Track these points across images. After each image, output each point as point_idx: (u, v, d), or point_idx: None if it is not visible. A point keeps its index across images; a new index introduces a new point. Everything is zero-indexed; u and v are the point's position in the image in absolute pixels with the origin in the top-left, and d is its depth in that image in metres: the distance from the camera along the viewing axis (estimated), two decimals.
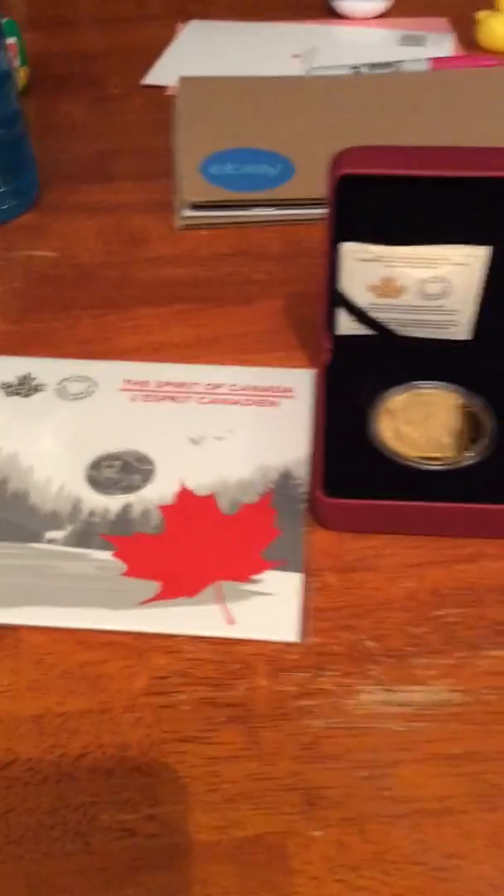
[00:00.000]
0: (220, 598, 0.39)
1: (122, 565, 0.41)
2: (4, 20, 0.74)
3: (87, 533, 0.42)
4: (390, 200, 0.41)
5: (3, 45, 0.59)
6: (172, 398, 0.49)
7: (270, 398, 0.49)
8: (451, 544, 0.42)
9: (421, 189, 0.40)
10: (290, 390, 0.50)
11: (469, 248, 0.43)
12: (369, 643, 0.38)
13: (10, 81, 0.60)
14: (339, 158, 0.40)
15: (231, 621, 0.38)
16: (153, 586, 0.40)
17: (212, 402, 0.49)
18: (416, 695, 0.36)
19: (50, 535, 0.42)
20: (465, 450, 0.44)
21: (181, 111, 0.72)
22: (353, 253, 0.44)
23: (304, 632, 0.38)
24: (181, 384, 0.50)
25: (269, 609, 0.39)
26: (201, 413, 0.48)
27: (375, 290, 0.45)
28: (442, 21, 0.91)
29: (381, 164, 0.39)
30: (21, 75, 0.78)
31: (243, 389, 0.50)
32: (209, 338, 0.54)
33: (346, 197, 0.41)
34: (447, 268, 0.44)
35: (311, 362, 0.51)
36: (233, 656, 0.37)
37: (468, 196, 0.40)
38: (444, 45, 0.85)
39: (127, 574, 0.40)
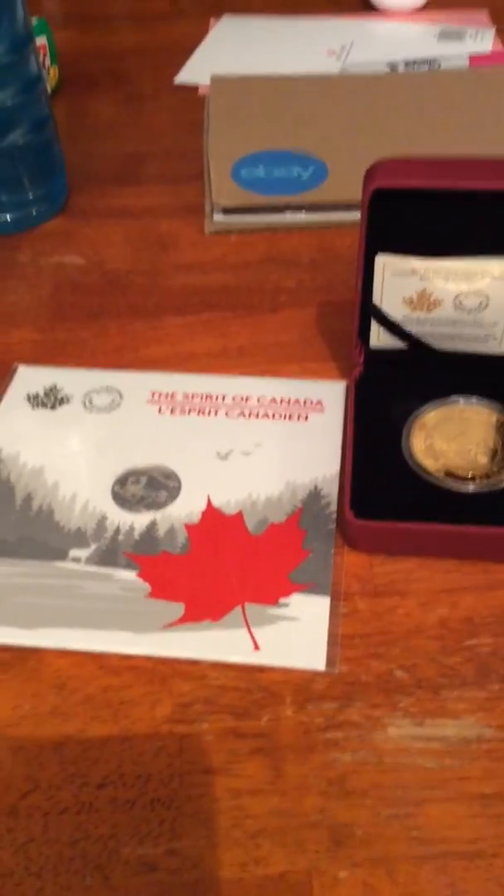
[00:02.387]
0: (246, 623, 0.38)
1: (146, 586, 0.40)
2: (35, 19, 0.73)
3: (112, 552, 0.41)
4: (426, 213, 0.40)
5: (34, 48, 0.58)
6: (199, 411, 0.48)
7: (300, 412, 0.48)
8: (485, 569, 0.40)
9: (457, 201, 0.38)
10: (320, 403, 0.48)
11: None
12: (399, 673, 0.37)
13: (40, 85, 0.59)
14: (374, 170, 0.39)
15: (257, 647, 0.37)
16: (178, 608, 0.39)
17: (240, 415, 0.48)
18: (447, 729, 0.35)
19: (74, 553, 0.41)
20: (502, 470, 0.42)
21: (212, 112, 0.71)
22: (387, 266, 0.42)
23: (332, 660, 0.37)
24: (208, 396, 0.49)
25: (297, 635, 0.38)
26: (229, 427, 0.47)
27: (410, 303, 0.44)
28: (482, 14, 0.88)
29: (416, 177, 0.38)
30: (51, 75, 0.77)
31: (272, 402, 0.48)
32: (237, 348, 0.52)
33: (381, 209, 0.39)
34: (485, 281, 0.42)
35: (343, 374, 0.50)
36: (258, 684, 0.37)
37: None
38: (484, 40, 0.83)
39: (151, 595, 0.40)
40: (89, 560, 0.41)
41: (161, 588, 0.40)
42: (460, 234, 0.40)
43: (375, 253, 0.42)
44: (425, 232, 0.41)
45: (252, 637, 0.38)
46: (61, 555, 0.41)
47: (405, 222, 0.40)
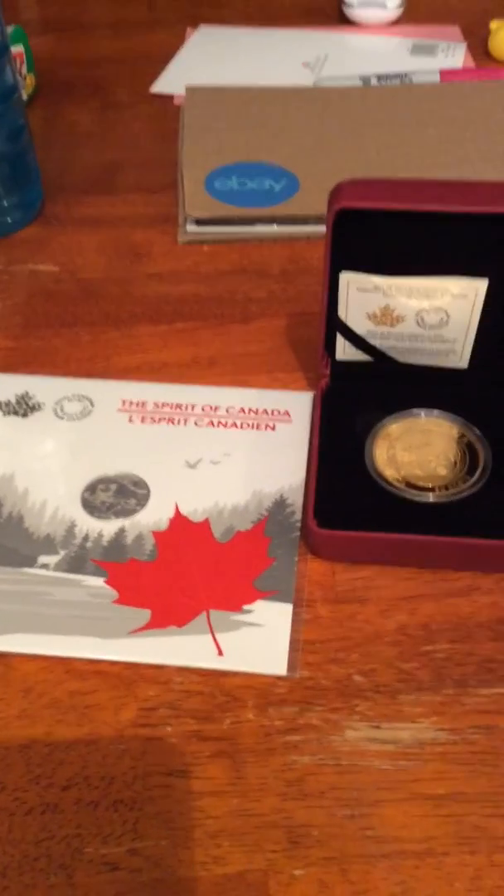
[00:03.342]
0: (210, 629, 0.39)
1: (113, 593, 0.41)
2: (12, 28, 0.73)
3: (81, 558, 0.42)
4: (389, 233, 0.41)
5: (9, 58, 0.58)
6: (170, 420, 0.49)
7: (267, 422, 0.49)
8: (444, 577, 0.42)
9: (419, 222, 0.40)
10: (287, 414, 0.49)
11: (467, 280, 0.42)
12: (358, 678, 0.38)
13: (15, 95, 0.60)
14: (338, 191, 0.40)
15: (220, 653, 0.38)
16: (144, 615, 0.40)
17: (209, 424, 0.49)
18: (403, 732, 0.36)
19: (43, 559, 0.42)
20: (461, 481, 0.43)
21: (187, 123, 0.72)
22: (352, 282, 0.44)
23: (293, 665, 0.38)
24: (179, 405, 0.50)
25: (259, 641, 0.39)
26: (198, 436, 0.48)
27: (374, 318, 0.45)
28: (454, 29, 0.90)
29: (379, 199, 0.39)
30: (27, 83, 0.77)
31: (240, 412, 0.50)
32: (208, 357, 0.54)
33: (346, 229, 0.41)
34: (446, 299, 0.43)
35: (310, 385, 0.51)
36: (221, 688, 0.38)
37: (466, 230, 0.40)
38: (456, 54, 0.85)
39: (118, 602, 0.40)
40: (58, 567, 0.42)
41: (128, 595, 0.41)
42: (422, 254, 0.42)
43: (340, 269, 0.43)
44: (388, 251, 0.42)
45: (216, 643, 0.39)
46: (30, 561, 0.42)
47: (369, 241, 0.42)
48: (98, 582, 0.41)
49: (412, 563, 0.42)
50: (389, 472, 0.44)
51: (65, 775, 0.35)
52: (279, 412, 0.50)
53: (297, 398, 0.50)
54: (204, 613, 0.40)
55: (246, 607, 0.40)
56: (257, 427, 0.49)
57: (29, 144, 0.63)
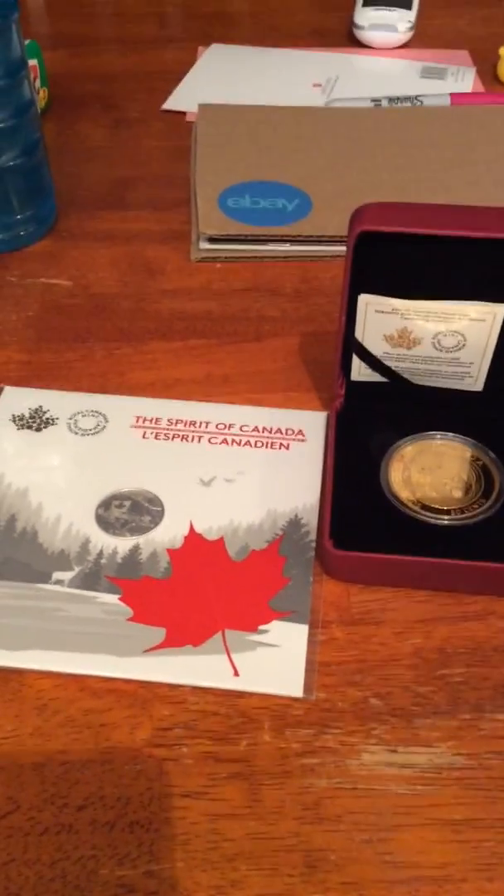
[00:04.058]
0: (226, 649, 0.39)
1: (128, 610, 0.41)
2: (27, 42, 0.74)
3: (95, 575, 0.42)
4: (408, 256, 0.41)
5: (27, 73, 0.59)
6: (183, 437, 0.49)
7: (281, 441, 0.49)
8: (459, 600, 0.42)
9: (439, 247, 0.40)
10: (301, 433, 0.50)
11: (486, 304, 0.43)
12: (374, 701, 0.38)
13: (32, 109, 0.60)
14: (359, 214, 0.40)
15: (236, 673, 0.38)
16: (159, 633, 0.40)
17: (223, 442, 0.49)
18: (420, 757, 0.36)
19: (57, 576, 0.42)
20: (476, 505, 0.44)
21: (199, 140, 0.72)
22: (369, 304, 0.44)
23: (309, 687, 0.38)
24: (192, 423, 0.50)
25: (275, 662, 0.39)
26: (212, 453, 0.48)
27: (391, 340, 0.46)
28: (464, 54, 0.91)
29: (400, 222, 0.39)
30: (41, 96, 0.78)
31: (254, 431, 0.50)
32: (221, 375, 0.54)
33: (365, 251, 0.41)
34: (463, 323, 0.44)
35: (324, 405, 0.52)
36: (237, 709, 0.37)
37: (485, 255, 0.40)
38: (465, 79, 0.86)
39: (133, 619, 0.40)
40: (72, 583, 0.42)
41: (142, 612, 0.41)
42: (440, 278, 0.42)
43: (359, 291, 0.44)
44: (407, 274, 0.42)
45: (232, 663, 0.39)
46: (44, 577, 0.42)
47: (388, 264, 0.42)
48: (112, 599, 0.41)
49: (427, 586, 0.42)
50: (404, 494, 0.44)
51: (80, 795, 0.35)
52: (293, 431, 0.50)
53: (311, 418, 0.51)
54: (219, 633, 0.40)
55: (262, 627, 0.40)
56: (271, 446, 0.49)
57: (44, 159, 0.63)
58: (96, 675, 0.38)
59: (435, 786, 0.35)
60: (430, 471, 0.46)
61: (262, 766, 0.36)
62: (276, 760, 0.36)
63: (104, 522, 0.45)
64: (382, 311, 0.44)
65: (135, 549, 0.43)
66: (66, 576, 0.42)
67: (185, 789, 0.35)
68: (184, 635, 0.40)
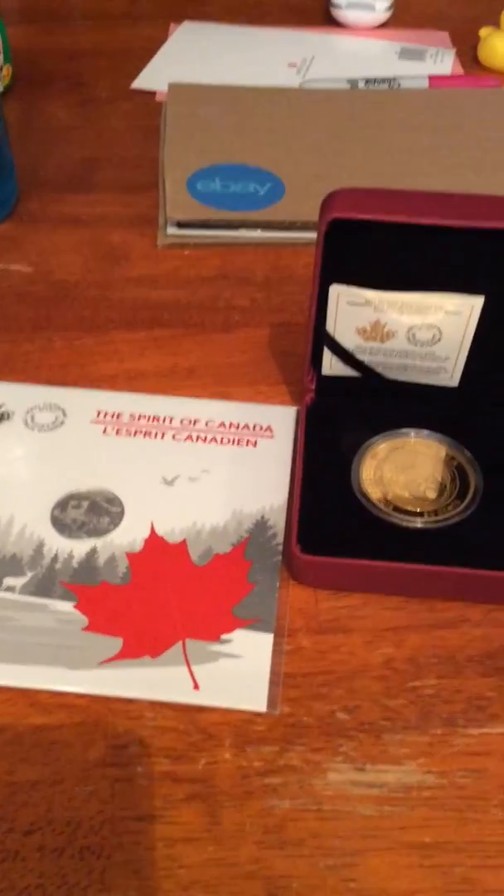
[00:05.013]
0: (186, 660, 0.37)
1: (83, 619, 0.38)
2: None
3: (49, 581, 0.40)
4: (382, 246, 0.39)
5: None
6: (146, 433, 0.47)
7: (249, 437, 0.47)
8: (432, 607, 0.40)
9: (415, 236, 0.38)
10: (269, 429, 0.47)
11: (462, 297, 0.41)
12: (341, 715, 0.36)
13: None
14: (331, 200, 0.38)
15: (196, 686, 0.36)
16: (115, 643, 0.38)
17: (187, 438, 0.47)
18: (388, 775, 0.34)
19: (9, 581, 0.40)
20: (450, 506, 0.42)
21: (169, 121, 0.69)
22: (342, 295, 0.42)
23: (273, 700, 0.36)
24: (156, 418, 0.48)
25: (238, 674, 0.37)
26: (176, 450, 0.46)
27: (364, 333, 0.43)
28: (443, 35, 0.88)
29: (373, 210, 0.37)
30: (4, 73, 0.75)
31: (221, 426, 0.47)
32: (187, 367, 0.51)
33: (337, 240, 0.39)
34: (439, 316, 0.42)
35: (294, 399, 0.49)
36: (196, 725, 0.35)
37: (462, 245, 0.38)
38: (444, 61, 0.83)
39: (88, 629, 0.38)
40: (24, 589, 0.39)
41: (99, 621, 0.38)
42: (416, 268, 0.40)
43: (330, 281, 0.41)
44: (381, 264, 0.40)
45: (192, 675, 0.36)
46: None
47: (361, 253, 0.40)
48: (67, 607, 0.39)
49: (399, 592, 0.40)
50: (376, 495, 0.42)
51: (27, 819, 0.33)
52: (261, 427, 0.47)
53: (280, 413, 0.48)
54: (179, 643, 0.38)
55: (224, 637, 0.38)
56: (238, 443, 0.47)
57: (4, 138, 0.60)
58: (48, 689, 0.36)
59: (403, 806, 0.33)
60: (403, 470, 0.44)
61: (222, 786, 0.34)
62: (237, 780, 0.34)
63: (60, 524, 0.42)
64: (355, 303, 0.42)
65: (92, 553, 0.41)
66: (18, 582, 0.40)
67: (139, 812, 0.33)
68: (142, 645, 0.38)
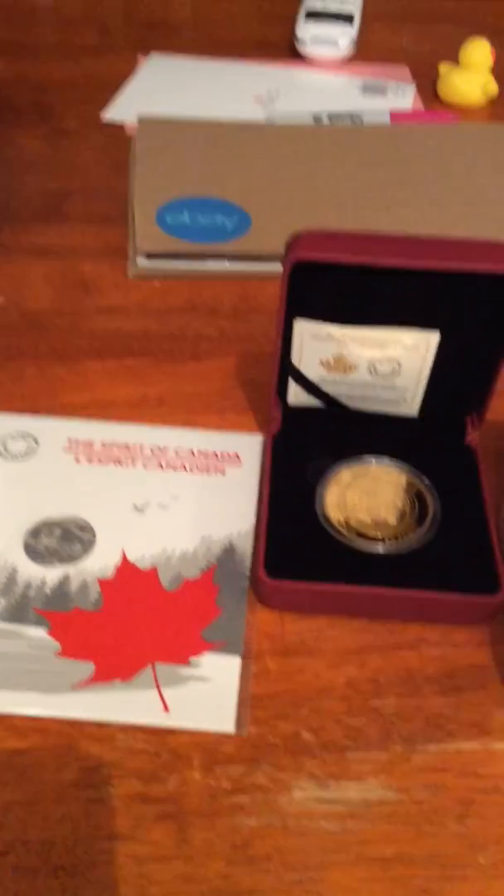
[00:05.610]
0: (156, 683, 0.38)
1: (56, 644, 0.40)
2: None
3: (22, 607, 0.41)
4: (344, 284, 0.41)
5: None
6: (117, 461, 0.48)
7: (217, 465, 0.48)
8: (393, 628, 0.42)
9: (374, 275, 0.40)
10: (237, 457, 0.49)
11: (419, 332, 0.43)
12: (306, 735, 0.37)
13: None
14: (295, 242, 0.40)
15: (166, 709, 0.37)
16: (87, 668, 0.39)
17: (158, 466, 0.48)
18: (350, 792, 0.36)
19: None
20: (410, 531, 0.44)
21: (138, 154, 0.71)
22: (306, 330, 0.44)
23: (241, 721, 0.38)
24: (127, 446, 0.49)
25: (207, 696, 0.38)
26: (146, 478, 0.47)
27: (327, 365, 0.45)
28: (404, 70, 0.91)
29: (335, 251, 0.39)
30: None
31: (190, 454, 0.49)
32: (157, 396, 0.53)
33: (300, 279, 0.40)
34: (398, 350, 0.44)
35: (261, 427, 0.51)
36: (167, 746, 0.37)
37: (419, 284, 0.40)
38: (405, 95, 0.86)
39: (61, 654, 0.39)
40: None
41: (71, 646, 0.40)
42: (375, 306, 0.42)
43: (294, 316, 0.43)
44: (343, 301, 0.42)
45: (162, 698, 0.38)
46: None
47: (323, 291, 0.42)
48: (40, 633, 0.40)
49: (362, 615, 0.42)
50: (340, 521, 0.44)
51: (2, 840, 0.34)
52: (229, 455, 0.49)
53: (247, 441, 0.50)
54: (150, 666, 0.39)
55: (193, 660, 0.39)
56: (207, 470, 0.48)
57: None
58: (21, 713, 0.37)
59: (365, 821, 0.35)
60: (365, 497, 0.45)
61: (191, 805, 0.35)
62: (206, 799, 0.35)
63: (33, 551, 0.43)
64: (318, 337, 0.44)
65: (64, 580, 0.42)
66: None
67: (111, 831, 0.34)
68: (113, 670, 0.39)
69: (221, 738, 0.37)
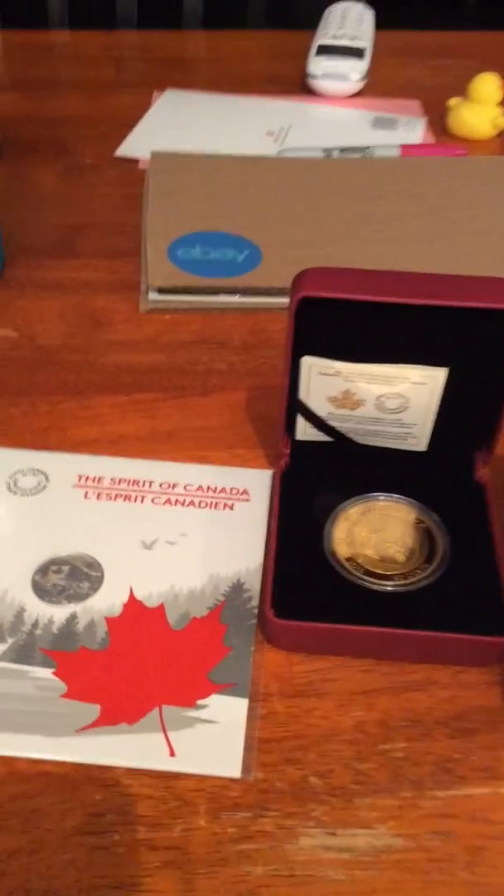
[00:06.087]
0: (163, 727, 0.38)
1: (62, 685, 0.39)
2: None
3: (29, 647, 0.41)
4: (351, 321, 0.41)
5: None
6: (126, 497, 0.48)
7: (226, 500, 0.48)
8: (402, 669, 0.41)
9: (381, 312, 0.40)
10: (246, 492, 0.49)
11: (427, 369, 0.43)
12: (313, 780, 0.37)
13: None
14: (301, 279, 0.40)
15: (173, 753, 0.37)
16: (93, 710, 0.39)
17: (166, 502, 0.48)
18: (358, 839, 0.35)
19: None
20: (419, 570, 0.43)
21: (151, 189, 0.72)
22: (313, 367, 0.43)
23: (248, 766, 0.37)
24: (136, 482, 0.49)
25: (214, 740, 0.38)
26: (155, 514, 0.47)
27: (335, 401, 0.45)
28: (415, 104, 0.92)
29: (342, 289, 0.39)
30: None
31: (199, 490, 0.49)
32: (167, 431, 0.53)
33: (307, 316, 0.40)
34: (405, 386, 0.44)
35: (270, 462, 0.51)
36: (172, 792, 0.36)
37: (426, 321, 0.40)
38: (415, 129, 0.87)
39: (67, 696, 0.39)
40: (4, 656, 0.40)
41: (77, 688, 0.39)
42: (382, 342, 0.42)
43: (302, 353, 0.43)
44: (350, 338, 0.42)
45: (168, 742, 0.37)
46: None
47: (330, 328, 0.42)
48: (46, 673, 0.40)
49: (370, 655, 0.41)
50: (348, 559, 0.44)
51: (5, 889, 0.33)
52: (238, 490, 0.49)
53: (256, 476, 0.50)
54: (156, 709, 0.39)
55: (200, 702, 0.39)
56: (215, 506, 0.48)
57: None
58: (26, 756, 0.37)
59: (373, 870, 0.34)
60: (373, 533, 0.45)
61: (197, 853, 0.34)
62: (212, 847, 0.35)
63: (41, 589, 0.43)
64: (326, 373, 0.44)
65: (72, 619, 0.42)
66: None
67: (115, 880, 0.34)
68: (119, 712, 0.38)
69: (228, 782, 0.37)
